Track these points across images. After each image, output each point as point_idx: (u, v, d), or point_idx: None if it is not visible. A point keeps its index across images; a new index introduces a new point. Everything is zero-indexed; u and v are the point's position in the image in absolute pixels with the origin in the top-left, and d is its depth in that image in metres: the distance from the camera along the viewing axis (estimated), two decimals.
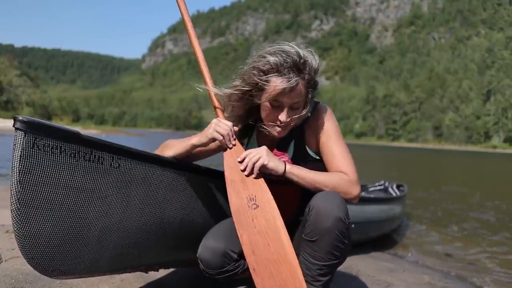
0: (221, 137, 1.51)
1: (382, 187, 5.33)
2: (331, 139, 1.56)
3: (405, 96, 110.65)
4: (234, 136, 1.55)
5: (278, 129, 1.51)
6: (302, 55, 1.43)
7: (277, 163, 1.48)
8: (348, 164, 1.54)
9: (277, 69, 1.41)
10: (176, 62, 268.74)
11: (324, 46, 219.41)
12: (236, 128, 1.56)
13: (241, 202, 1.47)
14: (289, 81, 1.41)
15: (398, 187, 5.32)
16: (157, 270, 1.85)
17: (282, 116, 1.48)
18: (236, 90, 1.51)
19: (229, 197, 1.49)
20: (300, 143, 1.60)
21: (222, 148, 1.58)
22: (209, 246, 1.51)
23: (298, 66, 1.42)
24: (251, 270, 1.41)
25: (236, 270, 1.54)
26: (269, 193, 1.48)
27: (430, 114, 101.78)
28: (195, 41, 1.64)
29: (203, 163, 1.72)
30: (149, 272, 1.80)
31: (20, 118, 1.16)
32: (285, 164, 1.48)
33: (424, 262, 3.62)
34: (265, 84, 1.44)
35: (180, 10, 1.69)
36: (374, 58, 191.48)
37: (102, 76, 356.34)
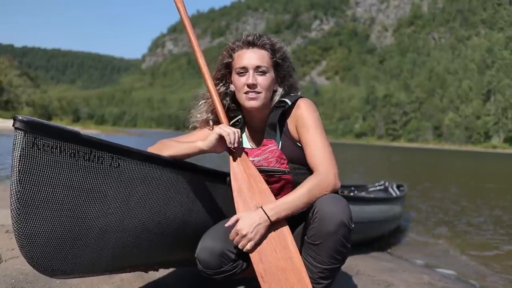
0: (226, 133, 1.55)
1: (382, 187, 5.32)
2: (309, 131, 1.58)
3: (405, 96, 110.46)
4: (240, 140, 1.59)
5: (249, 96, 1.59)
6: (261, 34, 1.64)
7: (261, 225, 1.47)
8: (323, 155, 1.55)
9: (238, 45, 1.64)
10: (176, 62, 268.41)
11: (324, 46, 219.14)
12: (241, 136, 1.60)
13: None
14: (249, 48, 1.61)
15: (398, 187, 5.30)
16: (157, 270, 1.86)
17: (249, 79, 1.58)
18: (217, 73, 1.69)
19: (236, 206, 1.52)
20: (284, 133, 1.66)
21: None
22: (206, 246, 1.52)
23: (255, 38, 1.62)
24: (259, 278, 1.42)
25: (234, 270, 1.54)
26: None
27: (430, 114, 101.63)
28: (198, 49, 1.68)
29: (202, 163, 1.71)
30: (148, 271, 1.83)
31: (20, 118, 1.16)
32: (266, 213, 1.47)
33: (424, 262, 3.61)
34: (231, 57, 1.65)
35: (180, 14, 1.71)
36: (374, 58, 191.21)
37: (102, 76, 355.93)
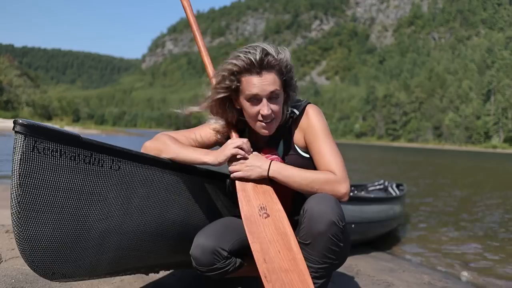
0: (242, 152, 1.53)
1: (381, 186, 5.32)
2: (319, 138, 1.57)
3: (405, 96, 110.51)
4: (251, 149, 1.56)
5: (264, 124, 1.54)
6: (264, 48, 1.50)
7: (259, 169, 1.52)
8: (336, 162, 1.53)
9: (244, 68, 1.49)
10: (176, 62, 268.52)
11: (324, 46, 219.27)
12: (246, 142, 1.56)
13: (252, 211, 1.49)
14: (259, 74, 1.49)
15: (397, 186, 5.30)
16: (158, 272, 1.86)
17: (263, 109, 1.50)
18: (213, 100, 1.57)
19: (240, 206, 1.51)
20: (289, 142, 1.63)
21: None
22: (199, 243, 1.52)
23: (263, 60, 1.48)
24: (263, 278, 1.41)
25: (227, 268, 1.54)
26: (279, 203, 1.51)
27: (430, 114, 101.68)
28: (203, 47, 1.66)
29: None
30: (149, 274, 1.84)
31: (20, 121, 1.16)
32: (269, 166, 1.51)
33: (424, 262, 3.62)
34: (238, 85, 1.52)
35: (187, 15, 1.71)
36: (374, 58, 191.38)
37: (102, 76, 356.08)
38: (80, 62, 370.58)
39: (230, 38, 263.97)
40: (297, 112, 1.60)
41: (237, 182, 1.54)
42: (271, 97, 1.51)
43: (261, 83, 1.49)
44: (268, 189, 1.53)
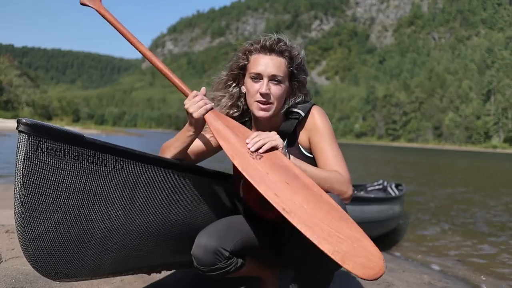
0: (195, 107, 1.50)
1: (381, 186, 5.32)
2: (324, 139, 1.58)
3: (405, 96, 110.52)
4: (205, 99, 1.53)
5: (261, 106, 1.55)
6: (280, 38, 1.58)
7: (285, 150, 1.47)
8: (341, 164, 1.55)
9: (256, 48, 1.57)
10: (176, 62, 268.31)
11: (324, 46, 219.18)
12: (203, 90, 1.55)
13: (247, 161, 1.42)
14: (266, 52, 1.56)
15: (397, 186, 5.31)
16: (160, 272, 1.86)
17: (262, 88, 1.53)
18: (226, 76, 1.65)
19: (231, 158, 1.44)
20: (294, 141, 1.64)
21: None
22: (201, 243, 1.53)
23: (273, 44, 1.56)
24: (281, 210, 1.34)
25: (228, 268, 1.54)
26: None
27: (430, 114, 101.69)
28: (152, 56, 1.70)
29: (205, 164, 1.72)
30: (151, 274, 1.83)
31: (24, 120, 1.15)
32: (289, 155, 1.48)
33: (424, 262, 3.62)
34: (247, 59, 1.59)
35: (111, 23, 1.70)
36: (374, 58, 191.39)
37: (102, 76, 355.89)
38: (80, 62, 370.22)
39: (230, 38, 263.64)
40: (302, 113, 1.61)
41: (216, 136, 1.50)
42: (273, 80, 1.54)
43: (266, 63, 1.54)
44: (247, 131, 1.50)
